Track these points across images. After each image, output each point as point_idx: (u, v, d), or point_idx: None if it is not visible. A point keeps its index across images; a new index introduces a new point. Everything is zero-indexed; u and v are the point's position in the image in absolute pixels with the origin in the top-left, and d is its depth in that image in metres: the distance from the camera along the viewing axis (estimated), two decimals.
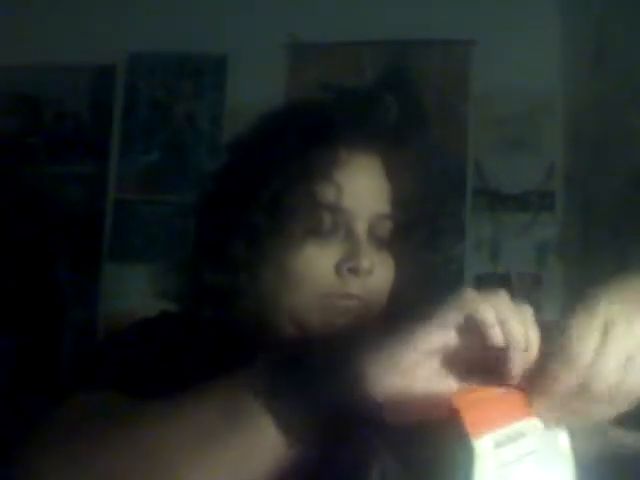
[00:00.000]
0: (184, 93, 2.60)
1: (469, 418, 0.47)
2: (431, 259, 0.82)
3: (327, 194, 0.74)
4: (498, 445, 0.47)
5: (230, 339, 0.75)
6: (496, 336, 0.54)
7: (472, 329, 0.55)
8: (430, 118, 2.45)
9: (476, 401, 0.50)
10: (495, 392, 0.53)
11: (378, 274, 0.75)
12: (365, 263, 0.72)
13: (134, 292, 2.48)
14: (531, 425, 0.51)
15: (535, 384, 0.53)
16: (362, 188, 0.75)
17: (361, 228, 0.75)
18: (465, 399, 0.49)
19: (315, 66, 2.49)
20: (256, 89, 2.38)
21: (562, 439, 0.52)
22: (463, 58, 2.43)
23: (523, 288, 2.34)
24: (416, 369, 0.54)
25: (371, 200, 0.76)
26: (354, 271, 0.72)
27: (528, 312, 0.59)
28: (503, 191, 2.38)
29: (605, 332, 0.55)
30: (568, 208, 2.33)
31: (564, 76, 2.33)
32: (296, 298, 0.73)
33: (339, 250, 0.74)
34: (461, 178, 2.41)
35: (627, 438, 0.62)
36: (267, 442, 0.55)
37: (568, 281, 2.28)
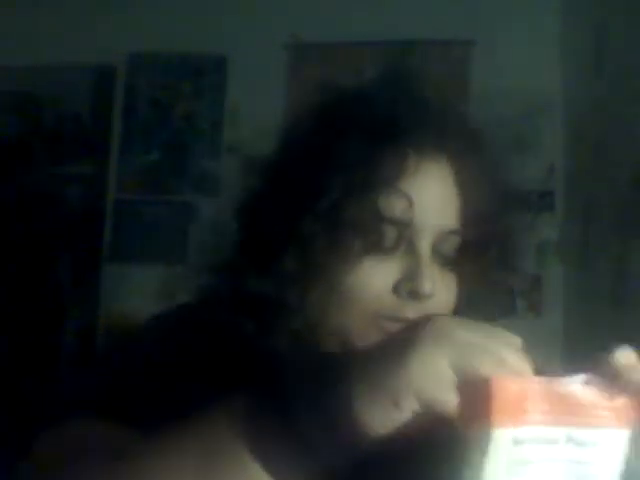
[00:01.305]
0: (184, 93, 2.60)
1: (499, 406, 0.45)
2: (500, 281, 0.74)
3: (392, 206, 0.65)
4: (517, 442, 0.45)
5: (258, 354, 0.67)
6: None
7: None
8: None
9: (520, 392, 0.47)
10: (564, 387, 0.48)
11: (439, 296, 0.67)
12: (427, 286, 0.64)
13: (134, 292, 2.49)
14: (592, 434, 0.46)
15: None
16: (431, 200, 0.67)
17: (425, 245, 0.66)
18: (507, 387, 0.46)
19: (315, 66, 2.49)
20: (256, 89, 2.38)
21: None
22: (463, 58, 2.43)
23: (523, 288, 2.34)
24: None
25: (440, 214, 0.67)
26: (414, 294, 0.64)
27: None
28: None
29: None
30: (568, 208, 2.33)
31: (564, 76, 2.33)
32: (347, 319, 0.65)
33: (399, 269, 0.66)
34: None
35: None
36: None
37: (568, 281, 2.28)
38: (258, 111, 2.11)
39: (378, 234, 0.65)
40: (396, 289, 0.65)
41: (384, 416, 0.48)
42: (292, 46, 2.49)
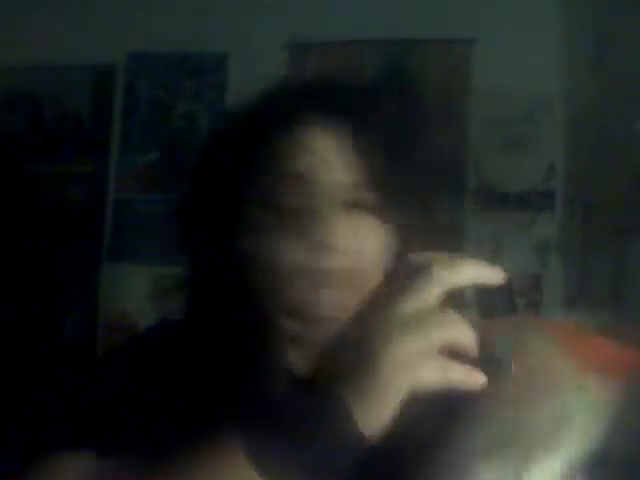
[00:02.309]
0: (184, 92, 2.60)
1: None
2: (424, 219, 0.78)
3: (297, 168, 0.70)
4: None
5: (234, 354, 0.71)
6: None
7: None
8: (430, 117, 2.45)
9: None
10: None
11: (362, 241, 0.71)
12: (342, 235, 0.69)
13: (134, 292, 2.49)
14: None
15: None
16: (332, 157, 0.72)
17: (336, 199, 0.71)
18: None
19: (315, 65, 2.49)
20: (256, 89, 2.38)
21: None
22: (463, 57, 2.43)
23: (523, 287, 2.34)
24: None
25: (345, 171, 0.72)
26: (325, 247, 0.69)
27: None
28: (503, 190, 2.38)
29: None
30: (568, 208, 2.33)
31: (564, 76, 2.33)
32: (288, 287, 0.69)
33: (315, 226, 0.70)
34: (461, 177, 2.41)
35: None
36: None
37: (568, 281, 2.28)
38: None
39: (290, 196, 0.69)
40: (311, 245, 0.69)
41: (381, 412, 0.51)
42: (292, 45, 2.49)
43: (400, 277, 0.64)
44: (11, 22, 2.54)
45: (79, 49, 2.52)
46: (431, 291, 0.61)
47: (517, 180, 2.37)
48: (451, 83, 2.44)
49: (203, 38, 2.51)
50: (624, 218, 1.82)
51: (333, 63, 2.49)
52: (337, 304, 0.69)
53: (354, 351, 0.56)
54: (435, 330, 0.59)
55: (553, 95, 2.34)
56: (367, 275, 0.72)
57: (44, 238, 2.60)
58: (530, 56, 2.30)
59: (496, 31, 2.33)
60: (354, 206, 0.71)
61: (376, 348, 0.53)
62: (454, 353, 0.57)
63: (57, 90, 2.66)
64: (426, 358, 0.56)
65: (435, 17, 2.39)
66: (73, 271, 2.60)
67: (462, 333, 0.59)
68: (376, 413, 0.52)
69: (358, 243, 0.71)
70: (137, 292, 2.43)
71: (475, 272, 0.63)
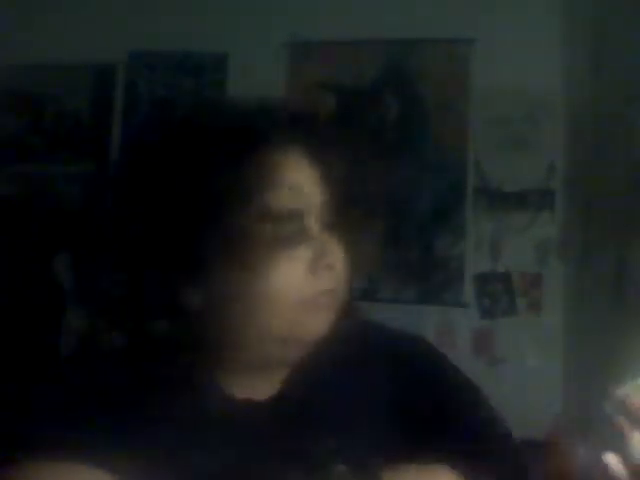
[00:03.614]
0: (184, 92, 2.60)
1: None
2: (374, 235, 0.79)
3: (276, 201, 0.69)
4: None
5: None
6: None
7: None
8: (430, 117, 2.46)
9: None
10: None
11: (343, 261, 0.74)
12: (336, 254, 0.72)
13: None
14: None
15: None
16: (302, 183, 0.72)
17: (315, 221, 0.72)
18: None
19: (315, 65, 2.49)
20: (256, 88, 2.38)
21: None
22: (463, 57, 2.43)
23: (523, 287, 2.34)
24: None
25: (313, 191, 0.72)
26: (330, 266, 0.71)
27: None
28: (503, 190, 2.39)
29: None
30: (568, 208, 2.33)
31: (564, 76, 2.33)
32: (275, 313, 0.69)
33: (306, 251, 0.71)
34: (461, 177, 2.41)
35: None
36: None
37: (568, 280, 2.28)
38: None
39: (275, 228, 0.69)
40: (311, 268, 0.70)
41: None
42: (292, 45, 2.49)
43: None
44: (11, 22, 2.55)
45: (79, 49, 2.52)
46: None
47: (517, 180, 2.37)
48: (451, 83, 2.44)
49: (203, 38, 2.51)
50: (624, 218, 1.82)
51: (333, 63, 2.49)
52: (323, 325, 0.72)
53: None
54: None
55: (553, 95, 2.34)
56: (342, 296, 0.74)
57: (44, 238, 2.60)
58: (530, 56, 2.30)
59: (496, 31, 2.33)
60: (329, 227, 0.73)
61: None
62: None
63: (57, 90, 2.66)
64: None
65: (435, 17, 2.39)
66: (73, 271, 2.60)
67: None
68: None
69: (341, 263, 0.73)
70: None
71: None
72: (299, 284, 0.70)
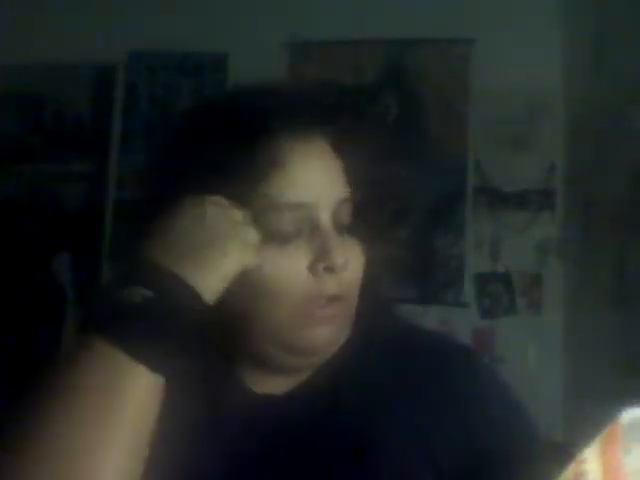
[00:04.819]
0: (184, 91, 2.60)
1: None
2: (399, 238, 0.75)
3: (281, 191, 0.66)
4: None
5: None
6: None
7: None
8: (430, 117, 2.46)
9: None
10: None
11: (352, 264, 0.69)
12: (340, 259, 0.66)
13: None
14: None
15: None
16: (316, 175, 0.68)
17: (325, 218, 0.67)
18: None
19: (315, 65, 2.49)
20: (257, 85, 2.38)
21: None
22: (463, 57, 2.43)
23: (523, 287, 2.34)
24: None
25: (328, 186, 0.68)
26: (330, 269, 0.66)
27: None
28: (503, 190, 2.39)
29: None
30: (568, 207, 2.33)
31: (564, 76, 2.33)
32: (274, 313, 0.66)
33: (309, 248, 0.67)
34: (461, 177, 2.41)
35: None
36: (141, 384, 0.58)
37: (568, 280, 2.29)
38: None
39: (276, 222, 0.66)
40: (312, 269, 0.66)
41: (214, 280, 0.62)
42: (292, 45, 2.49)
43: None
44: (11, 22, 2.55)
45: (79, 49, 2.52)
46: None
47: (517, 180, 2.37)
48: (451, 83, 2.44)
49: (203, 38, 2.51)
50: (624, 218, 1.82)
51: (333, 63, 2.49)
52: (331, 336, 0.68)
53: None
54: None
55: (553, 95, 2.34)
56: (353, 303, 0.70)
57: (44, 238, 2.60)
58: (530, 56, 2.31)
59: (496, 31, 2.33)
60: (340, 223, 0.69)
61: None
62: None
63: (57, 90, 2.66)
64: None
65: (435, 17, 2.39)
66: (73, 271, 2.60)
67: None
68: (210, 281, 0.61)
69: (352, 262, 0.69)
70: None
71: None
72: (297, 282, 0.66)
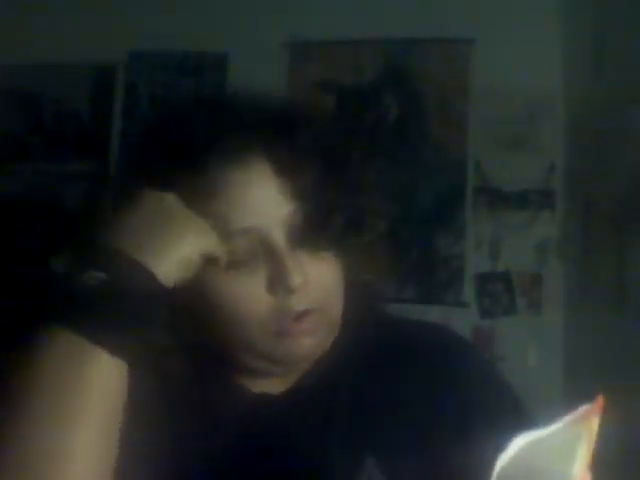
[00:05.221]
0: (184, 91, 2.60)
1: None
2: (367, 240, 0.72)
3: (228, 219, 0.65)
4: None
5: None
6: None
7: None
8: (430, 117, 2.46)
9: None
10: None
11: (318, 277, 0.67)
12: (295, 277, 0.65)
13: None
14: None
15: None
16: (259, 197, 0.66)
17: (278, 238, 0.66)
18: None
19: (315, 65, 2.49)
20: (256, 88, 2.38)
21: None
22: (463, 57, 2.43)
23: (523, 287, 2.34)
24: None
25: (275, 205, 0.66)
26: (287, 289, 0.65)
27: None
28: (503, 190, 2.39)
29: None
30: (568, 207, 2.33)
31: (564, 76, 2.33)
32: (243, 332, 0.66)
33: (265, 272, 0.66)
34: (461, 177, 2.41)
35: None
36: (106, 370, 0.58)
37: (568, 280, 2.29)
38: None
39: (230, 249, 0.65)
40: (270, 291, 0.66)
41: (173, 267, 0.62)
42: (292, 45, 2.49)
43: None
44: (11, 22, 2.54)
45: (79, 49, 2.52)
46: None
47: (517, 180, 2.37)
48: (451, 83, 2.44)
49: (203, 38, 2.51)
50: (624, 218, 1.82)
51: (333, 63, 2.49)
52: (312, 346, 0.68)
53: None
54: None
55: (553, 95, 2.34)
56: (333, 312, 0.70)
57: (44, 238, 2.60)
58: (530, 56, 2.30)
59: (496, 31, 2.33)
60: (300, 243, 0.67)
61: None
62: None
63: (57, 90, 2.66)
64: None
65: (435, 17, 2.39)
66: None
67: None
68: (167, 263, 0.61)
69: (319, 280, 0.68)
70: None
71: None
72: (259, 305, 0.65)
